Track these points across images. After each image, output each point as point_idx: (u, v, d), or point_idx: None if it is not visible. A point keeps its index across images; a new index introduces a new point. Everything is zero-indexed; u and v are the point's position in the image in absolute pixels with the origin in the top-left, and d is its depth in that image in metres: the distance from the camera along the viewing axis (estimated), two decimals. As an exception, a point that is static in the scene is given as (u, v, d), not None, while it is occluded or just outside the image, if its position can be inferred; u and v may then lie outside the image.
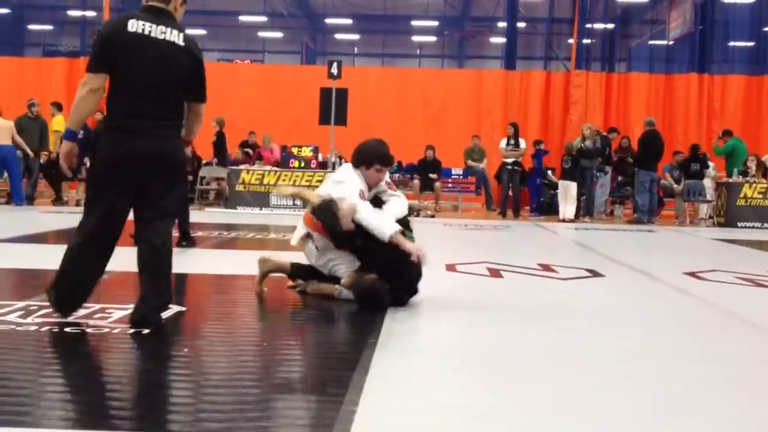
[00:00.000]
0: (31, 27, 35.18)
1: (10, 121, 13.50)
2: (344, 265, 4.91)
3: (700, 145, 16.21)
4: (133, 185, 3.89)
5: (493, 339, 4.14)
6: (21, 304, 4.39)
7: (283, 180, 14.26)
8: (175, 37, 3.92)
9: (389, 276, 4.69)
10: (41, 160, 14.08)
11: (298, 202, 13.89)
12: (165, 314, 4.20)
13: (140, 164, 3.84)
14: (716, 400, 3.11)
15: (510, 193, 15.12)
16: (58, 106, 14.16)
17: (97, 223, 3.90)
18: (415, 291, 4.85)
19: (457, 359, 3.70)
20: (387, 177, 5.14)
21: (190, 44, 4.00)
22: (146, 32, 3.85)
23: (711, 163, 15.98)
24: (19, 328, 3.83)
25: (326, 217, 4.70)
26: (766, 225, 14.17)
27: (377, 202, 5.00)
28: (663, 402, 3.05)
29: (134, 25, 3.85)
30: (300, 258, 5.26)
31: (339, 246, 4.84)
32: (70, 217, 11.40)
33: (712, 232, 12.88)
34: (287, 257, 5.47)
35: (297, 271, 5.25)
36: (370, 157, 4.96)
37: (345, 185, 4.87)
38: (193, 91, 4.05)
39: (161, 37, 3.88)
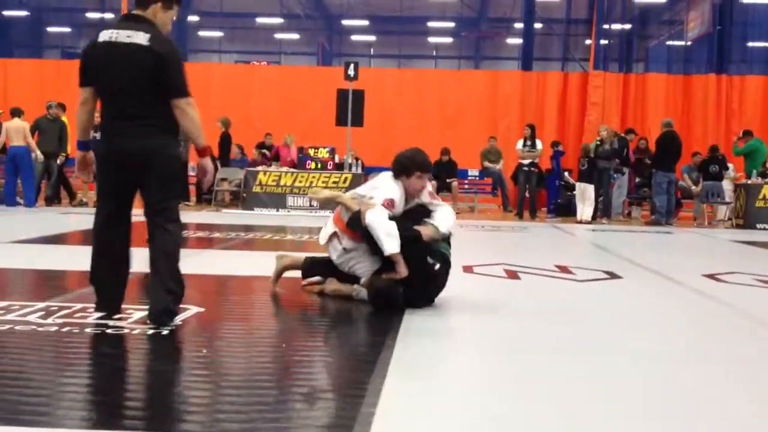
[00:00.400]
0: (50, 29, 35.45)
1: (24, 123, 13.61)
2: (366, 265, 4.91)
3: (719, 146, 16.10)
4: (124, 183, 4.15)
5: (511, 341, 4.13)
6: (41, 304, 4.43)
7: (300, 182, 14.30)
8: (140, 38, 4.05)
9: (408, 283, 4.70)
10: (58, 161, 14.18)
11: (314, 203, 13.93)
12: (183, 315, 4.24)
13: (123, 162, 4.10)
14: (729, 402, 3.09)
15: (527, 194, 15.08)
16: (62, 107, 14.26)
17: (102, 221, 4.23)
18: (431, 301, 4.89)
19: (475, 361, 3.70)
20: (429, 187, 5.15)
21: (155, 42, 4.06)
22: (113, 39, 4.07)
23: (730, 165, 15.87)
24: (40, 329, 3.86)
25: (359, 227, 4.73)
26: (785, 227, 14.05)
27: (424, 212, 5.00)
28: (675, 402, 3.04)
29: (104, 35, 4.12)
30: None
31: (374, 252, 4.83)
32: (88, 218, 11.49)
33: (730, 234, 12.79)
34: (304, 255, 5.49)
35: (312, 265, 5.25)
36: (409, 165, 4.96)
37: (378, 191, 4.91)
38: (167, 88, 4.08)
39: (127, 41, 4.05)
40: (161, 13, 4.22)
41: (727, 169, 15.48)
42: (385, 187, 4.94)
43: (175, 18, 4.34)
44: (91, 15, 31.65)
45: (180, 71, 4.12)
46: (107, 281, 4.26)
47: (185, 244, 8.62)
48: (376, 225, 4.65)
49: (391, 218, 4.73)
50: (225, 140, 16.26)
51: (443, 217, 4.99)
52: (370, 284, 4.79)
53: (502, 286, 6.01)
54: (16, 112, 13.63)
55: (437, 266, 4.81)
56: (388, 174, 5.06)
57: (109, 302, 4.27)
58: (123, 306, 4.38)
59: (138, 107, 4.07)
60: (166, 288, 4.04)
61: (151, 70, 4.03)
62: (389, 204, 4.81)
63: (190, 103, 4.12)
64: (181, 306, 4.25)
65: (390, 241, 4.64)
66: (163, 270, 4.07)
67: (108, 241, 4.24)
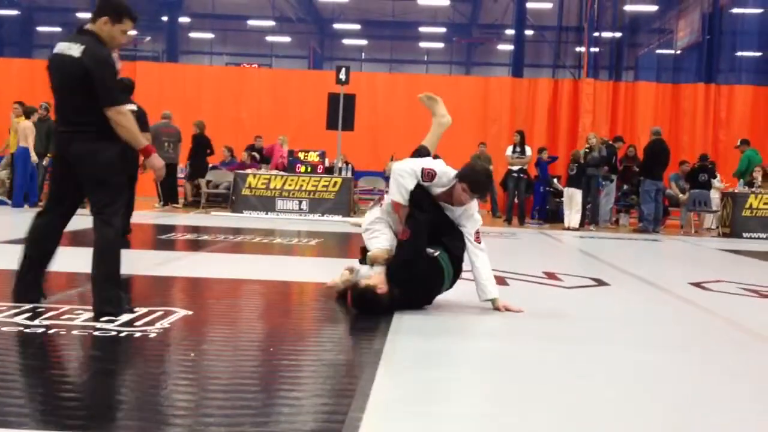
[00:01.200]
0: (41, 29, 35.32)
1: (30, 124, 13.59)
2: (378, 241, 4.96)
3: (709, 155, 16.20)
4: (67, 184, 4.47)
5: (498, 347, 4.15)
6: (28, 306, 4.41)
7: (290, 185, 14.29)
8: (74, 51, 4.34)
9: (398, 284, 4.71)
10: (44, 162, 14.11)
11: (304, 206, 13.93)
12: (171, 318, 4.24)
13: (63, 163, 4.46)
14: (715, 410, 3.12)
15: (516, 200, 15.12)
16: (47, 108, 14.20)
17: (42, 213, 4.61)
18: (429, 302, 4.96)
19: (462, 367, 3.71)
20: (477, 221, 5.12)
21: (85, 55, 4.31)
22: (59, 51, 4.44)
23: (718, 174, 15.99)
24: (27, 330, 3.85)
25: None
26: (772, 236, 14.15)
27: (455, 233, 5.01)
28: (663, 412, 3.06)
29: (56, 47, 4.51)
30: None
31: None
32: (74, 219, 11.43)
33: (717, 243, 12.87)
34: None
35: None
36: (466, 175, 4.94)
37: (429, 161, 5.05)
38: (97, 98, 4.30)
39: (66, 53, 4.37)
40: (108, 27, 4.45)
41: (715, 177, 15.58)
42: (437, 164, 5.03)
43: (128, 31, 4.54)
44: (82, 15, 31.51)
45: (105, 82, 4.31)
46: (25, 264, 4.51)
47: (173, 247, 8.63)
48: (397, 171, 4.88)
49: (420, 190, 4.87)
50: (198, 142, 16.31)
51: (482, 266, 5.02)
52: (353, 289, 4.80)
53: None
54: (31, 112, 13.59)
55: (437, 253, 4.83)
56: (451, 170, 5.05)
57: (24, 286, 4.50)
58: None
59: (76, 114, 4.38)
60: (101, 296, 4.26)
61: (81, 80, 4.29)
62: (428, 174, 4.89)
63: (119, 111, 4.31)
64: (169, 309, 4.26)
65: (376, 243, 4.83)
66: (98, 271, 4.28)
67: (37, 226, 4.55)
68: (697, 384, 3.56)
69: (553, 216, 15.89)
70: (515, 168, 15.00)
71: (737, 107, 19.03)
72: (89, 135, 4.34)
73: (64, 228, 4.59)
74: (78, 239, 9.20)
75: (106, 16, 4.43)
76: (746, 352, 4.35)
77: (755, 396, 3.42)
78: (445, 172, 4.98)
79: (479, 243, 5.07)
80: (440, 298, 5.06)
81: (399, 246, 4.87)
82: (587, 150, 14.44)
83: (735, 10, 25.52)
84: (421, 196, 4.91)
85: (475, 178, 4.92)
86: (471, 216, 5.09)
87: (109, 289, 4.28)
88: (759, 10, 25.71)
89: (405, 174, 4.88)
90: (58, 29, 35.28)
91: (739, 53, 25.82)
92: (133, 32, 4.59)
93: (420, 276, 4.80)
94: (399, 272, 4.72)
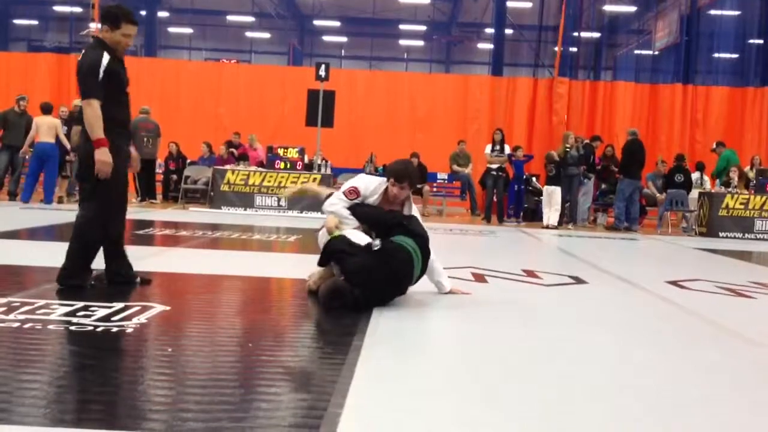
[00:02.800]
0: (17, 21, 34.93)
1: (56, 119, 13.43)
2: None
3: (686, 156, 16.35)
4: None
5: (477, 343, 4.15)
6: (3, 300, 4.36)
7: (269, 182, 14.23)
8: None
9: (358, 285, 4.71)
10: (27, 157, 13.96)
11: (283, 203, 13.89)
12: (148, 314, 4.22)
13: None
14: (691, 406, 3.15)
15: (495, 198, 15.16)
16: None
17: None
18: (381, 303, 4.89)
19: (441, 362, 3.71)
20: (414, 209, 5.40)
21: (80, 56, 5.05)
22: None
23: (694, 174, 16.14)
24: (1, 325, 3.80)
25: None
26: (747, 235, 14.30)
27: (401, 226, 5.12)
28: (640, 408, 3.08)
29: None
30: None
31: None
32: (50, 214, 11.32)
33: (693, 242, 12.98)
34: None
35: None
36: (387, 171, 5.38)
37: (355, 179, 5.44)
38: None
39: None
40: (109, 34, 4.94)
41: (690, 180, 15.68)
42: (357, 179, 5.44)
43: (130, 34, 4.98)
44: (59, 8, 31.21)
45: (81, 76, 4.86)
46: None
47: (151, 242, 8.57)
48: (326, 208, 5.30)
49: (354, 206, 5.23)
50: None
51: (440, 270, 5.47)
52: (321, 288, 4.79)
53: (470, 290, 6.03)
54: (46, 108, 13.41)
55: (376, 242, 4.86)
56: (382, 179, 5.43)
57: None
58: (87, 303, 4.35)
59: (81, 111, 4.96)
60: (64, 262, 4.92)
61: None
62: (351, 191, 5.28)
63: (88, 103, 4.81)
64: (146, 304, 4.23)
65: (344, 222, 5.19)
66: (69, 244, 4.95)
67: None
68: (671, 378, 3.58)
69: (532, 214, 15.95)
70: (494, 166, 15.03)
71: (713, 108, 19.23)
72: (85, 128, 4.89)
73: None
74: (51, 234, 9.11)
75: (105, 25, 4.95)
76: (722, 348, 4.39)
77: (732, 389, 3.45)
78: (369, 181, 5.38)
79: None
80: (417, 298, 5.05)
81: (351, 250, 4.84)
82: (568, 149, 14.51)
83: (712, 12, 25.76)
84: (368, 212, 5.23)
85: (396, 168, 5.27)
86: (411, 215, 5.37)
87: (64, 268, 4.90)
88: (736, 12, 25.98)
89: (333, 205, 5.29)
90: (35, 22, 34.95)
91: (716, 54, 26.06)
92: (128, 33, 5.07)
93: (380, 276, 4.76)
94: (354, 277, 4.70)
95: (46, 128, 13.18)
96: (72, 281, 4.86)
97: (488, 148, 15.30)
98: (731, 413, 3.12)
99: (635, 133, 14.87)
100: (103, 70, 4.82)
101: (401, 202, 5.33)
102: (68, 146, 13.39)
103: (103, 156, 4.79)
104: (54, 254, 4.56)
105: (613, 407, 3.09)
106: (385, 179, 5.33)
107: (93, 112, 4.78)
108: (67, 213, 11.56)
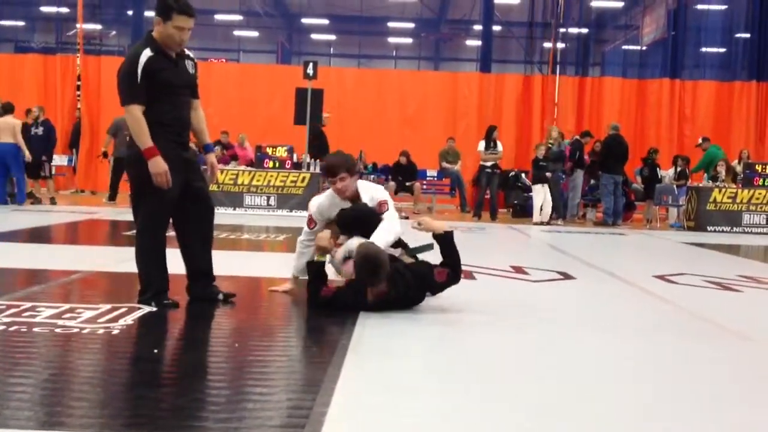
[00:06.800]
0: (3, 22, 34.73)
1: (16, 120, 13.30)
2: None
3: (658, 150, 16.41)
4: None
5: (464, 341, 4.16)
6: (-11, 303, 4.34)
7: (258, 181, 14.20)
8: None
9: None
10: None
11: (273, 202, 13.87)
12: (135, 315, 4.20)
13: None
14: (679, 401, 3.16)
15: (487, 195, 15.12)
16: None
17: None
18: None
19: (428, 361, 3.72)
20: (377, 195, 5.21)
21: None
22: None
23: (665, 172, 16.23)
24: (-13, 328, 3.79)
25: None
26: (735, 229, 14.36)
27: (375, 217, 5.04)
28: (627, 402, 3.10)
29: None
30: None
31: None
32: (38, 216, 11.27)
33: (681, 236, 13.02)
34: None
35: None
36: (322, 173, 5.25)
37: (309, 209, 5.37)
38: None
39: None
40: (160, 27, 4.44)
41: (656, 174, 15.74)
42: (309, 206, 5.38)
43: (184, 27, 4.45)
44: (46, 9, 31.03)
45: (118, 81, 4.42)
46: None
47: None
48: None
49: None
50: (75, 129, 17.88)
51: (377, 235, 4.92)
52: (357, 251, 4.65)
53: (457, 286, 6.03)
54: (7, 108, 13.28)
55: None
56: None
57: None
58: (73, 305, 4.33)
59: None
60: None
61: None
62: (309, 222, 5.28)
63: (128, 110, 4.36)
64: (132, 305, 4.23)
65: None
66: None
67: None
68: (659, 372, 3.60)
69: (521, 210, 15.97)
70: (488, 163, 14.97)
71: (701, 102, 19.30)
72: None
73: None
74: (36, 236, 9.07)
75: (158, 17, 4.45)
76: (709, 342, 4.41)
77: (721, 383, 3.47)
78: (317, 202, 5.30)
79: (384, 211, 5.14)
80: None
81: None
82: (551, 144, 14.54)
83: (699, 6, 25.82)
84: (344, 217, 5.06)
85: (325, 167, 5.28)
86: (372, 198, 5.19)
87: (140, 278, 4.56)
88: (723, 7, 26.04)
89: (299, 244, 5.29)
90: (21, 23, 34.75)
91: (703, 49, 26.12)
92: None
93: (408, 295, 4.79)
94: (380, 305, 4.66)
95: (5, 129, 13.05)
96: (160, 298, 4.49)
97: (481, 144, 15.16)
98: (722, 407, 3.14)
99: (617, 128, 14.93)
100: (141, 68, 4.33)
101: (354, 193, 5.14)
102: (24, 148, 13.22)
103: (154, 168, 4.32)
104: (37, 254, 4.53)
105: (601, 402, 3.10)
106: (330, 188, 5.17)
107: (132, 119, 4.33)
108: (47, 215, 11.52)
